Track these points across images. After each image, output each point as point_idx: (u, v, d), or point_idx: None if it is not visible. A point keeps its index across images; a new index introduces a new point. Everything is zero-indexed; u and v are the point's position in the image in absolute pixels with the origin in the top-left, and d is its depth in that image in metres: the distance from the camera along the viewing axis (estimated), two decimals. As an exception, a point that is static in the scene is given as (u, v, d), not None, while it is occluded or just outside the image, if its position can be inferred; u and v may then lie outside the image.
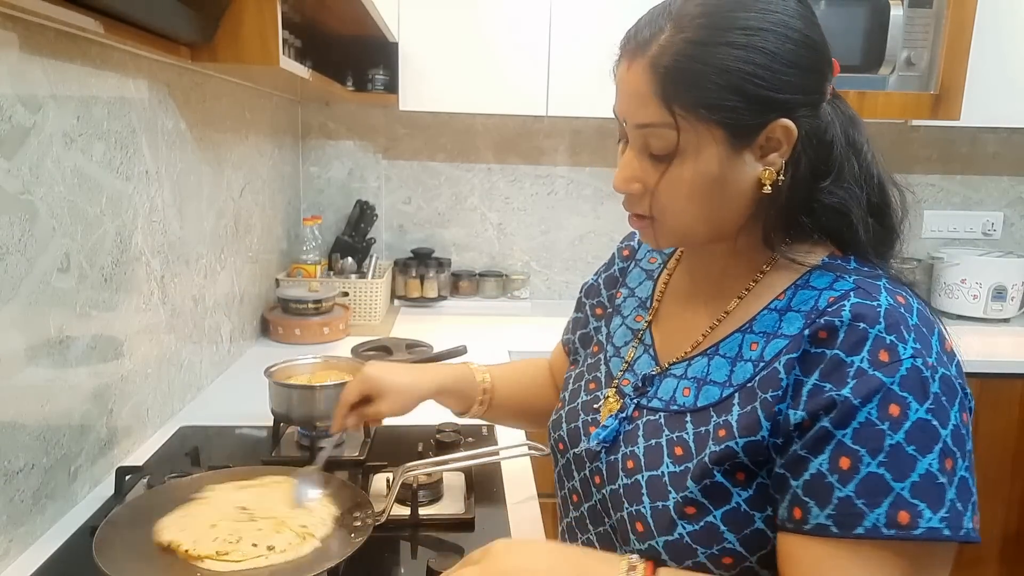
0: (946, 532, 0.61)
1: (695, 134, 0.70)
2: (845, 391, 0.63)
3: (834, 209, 0.72)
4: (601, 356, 0.92)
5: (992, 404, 2.03)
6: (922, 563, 0.63)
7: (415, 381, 1.01)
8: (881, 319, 0.65)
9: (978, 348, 2.11)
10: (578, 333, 1.01)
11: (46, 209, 0.97)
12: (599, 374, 0.90)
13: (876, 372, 0.63)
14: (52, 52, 0.98)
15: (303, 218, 2.30)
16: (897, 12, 2.02)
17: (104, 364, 1.14)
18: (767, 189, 0.72)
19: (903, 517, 0.61)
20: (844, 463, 0.63)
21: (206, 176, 1.56)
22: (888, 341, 0.64)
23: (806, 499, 0.64)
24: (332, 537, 0.86)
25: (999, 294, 2.34)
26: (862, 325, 0.65)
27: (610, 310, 0.96)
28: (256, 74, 1.62)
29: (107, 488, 1.09)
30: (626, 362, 0.87)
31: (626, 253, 0.99)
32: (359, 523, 0.89)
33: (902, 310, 0.66)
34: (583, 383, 0.92)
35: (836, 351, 0.65)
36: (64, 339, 1.03)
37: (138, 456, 1.24)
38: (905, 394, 0.62)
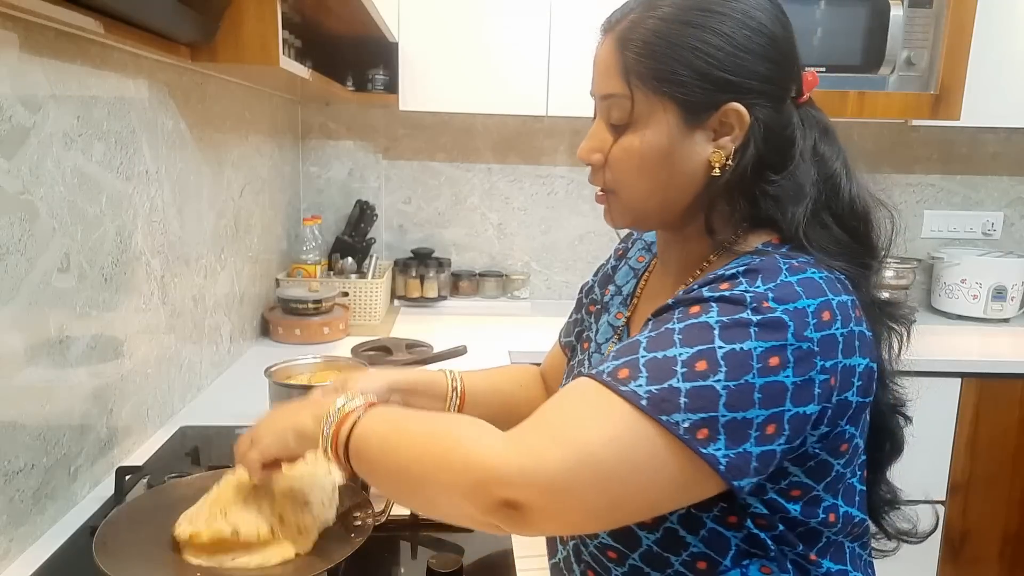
0: (643, 403, 0.61)
1: (648, 106, 0.73)
2: (671, 300, 0.70)
3: (774, 199, 0.74)
4: (587, 353, 0.94)
5: (992, 404, 2.03)
6: (617, 422, 0.62)
7: (388, 385, 0.97)
8: (744, 266, 0.68)
9: (978, 348, 2.11)
10: (576, 332, 1.02)
11: (46, 209, 0.97)
12: (583, 371, 0.91)
13: (702, 289, 0.68)
14: (52, 52, 0.98)
15: (303, 218, 2.30)
16: (897, 12, 2.02)
17: (104, 364, 1.14)
18: (715, 172, 0.73)
19: (622, 373, 0.64)
20: (639, 335, 0.68)
21: (206, 176, 1.56)
22: (737, 279, 0.67)
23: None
24: (311, 554, 0.85)
25: (999, 294, 2.34)
26: (728, 271, 0.68)
27: (599, 307, 0.97)
28: (256, 74, 1.62)
29: (107, 488, 1.09)
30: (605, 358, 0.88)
31: (620, 253, 1.00)
32: (359, 523, 0.89)
33: (781, 265, 0.67)
34: (569, 381, 0.92)
35: (695, 285, 0.70)
36: (64, 339, 1.03)
37: (138, 456, 1.24)
38: (713, 305, 0.65)
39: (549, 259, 2.58)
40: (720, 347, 0.62)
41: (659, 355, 0.64)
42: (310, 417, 0.76)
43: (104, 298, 1.13)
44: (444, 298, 2.45)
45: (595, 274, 1.03)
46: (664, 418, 0.61)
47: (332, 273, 2.26)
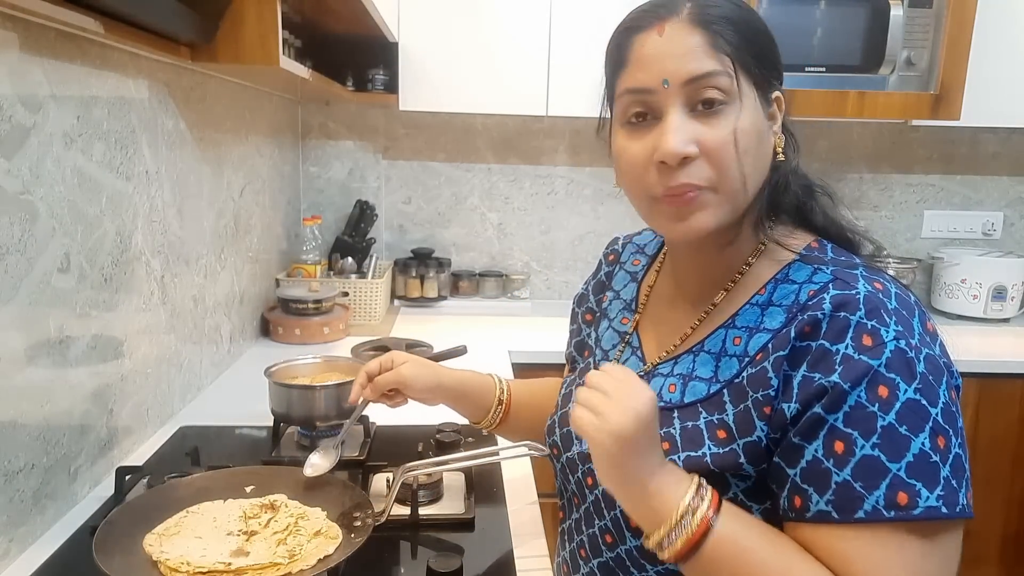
0: (944, 510, 0.61)
1: (743, 84, 0.71)
2: (834, 377, 0.64)
3: (807, 187, 0.77)
4: (591, 360, 0.92)
5: (992, 404, 2.03)
6: (930, 540, 0.63)
7: (436, 371, 1.04)
8: (861, 306, 0.66)
9: (978, 348, 2.11)
10: (574, 343, 1.01)
11: (46, 209, 0.97)
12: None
13: (861, 356, 0.64)
14: (52, 52, 0.98)
15: (303, 218, 2.30)
16: (897, 12, 2.02)
17: (104, 364, 1.14)
18: (780, 156, 0.75)
19: (902, 498, 0.61)
20: (838, 447, 0.63)
21: (206, 176, 1.56)
22: (870, 326, 0.65)
23: (805, 486, 0.65)
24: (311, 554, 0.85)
25: (999, 294, 2.34)
26: (843, 314, 0.66)
27: (598, 314, 0.96)
28: (256, 74, 1.62)
29: (107, 488, 1.09)
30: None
31: (611, 258, 1.00)
32: (359, 523, 0.89)
33: (880, 295, 0.68)
34: (574, 388, 0.91)
35: (821, 341, 0.66)
36: (64, 339, 1.03)
37: (138, 456, 1.24)
38: (893, 375, 0.63)
39: (549, 259, 2.58)
40: (936, 415, 0.63)
41: (910, 458, 0.62)
42: (662, 488, 0.66)
43: (104, 298, 1.13)
44: (444, 298, 2.45)
45: (586, 283, 1.03)
46: (958, 510, 0.62)
47: (332, 273, 2.26)
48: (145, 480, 1.08)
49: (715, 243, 0.79)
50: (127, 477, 1.07)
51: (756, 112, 0.72)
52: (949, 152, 2.55)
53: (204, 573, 0.80)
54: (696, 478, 0.67)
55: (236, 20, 1.25)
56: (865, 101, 2.06)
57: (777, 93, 0.75)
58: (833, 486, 0.63)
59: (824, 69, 2.05)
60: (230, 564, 0.81)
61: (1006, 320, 2.37)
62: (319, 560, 0.82)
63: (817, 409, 0.64)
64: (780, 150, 0.75)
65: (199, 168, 1.51)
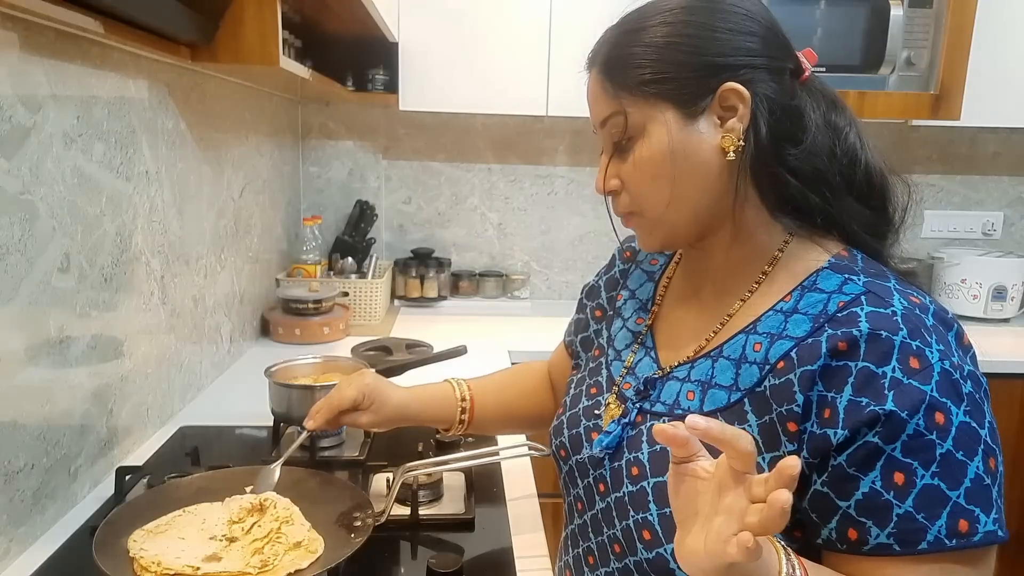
0: (1000, 533, 0.62)
1: (643, 114, 0.74)
2: (888, 404, 0.61)
3: (807, 177, 0.72)
4: (602, 360, 0.91)
5: (992, 404, 2.02)
6: (984, 563, 0.64)
7: (403, 404, 1.01)
8: (902, 325, 0.64)
9: (978, 348, 2.11)
10: (580, 335, 0.99)
11: (46, 209, 0.97)
12: (600, 378, 0.89)
13: (911, 381, 0.62)
14: (52, 52, 0.98)
15: (303, 218, 2.30)
16: (897, 12, 2.02)
17: (104, 364, 1.14)
18: (730, 156, 0.72)
19: (962, 525, 0.61)
20: (898, 478, 0.61)
21: (206, 176, 1.56)
22: (915, 347, 0.63)
23: (862, 519, 0.62)
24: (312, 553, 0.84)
25: (999, 294, 2.34)
26: (884, 334, 0.63)
27: (610, 312, 0.95)
28: (256, 74, 1.62)
29: (107, 488, 1.09)
30: (627, 366, 0.86)
31: (627, 255, 0.98)
32: (359, 523, 0.89)
33: (918, 311, 0.66)
34: (584, 388, 0.90)
35: (864, 363, 0.63)
36: (64, 339, 1.03)
37: (138, 456, 1.24)
38: (945, 400, 0.62)
39: (549, 259, 2.58)
40: (985, 437, 0.63)
41: (968, 484, 0.61)
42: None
43: (104, 298, 1.13)
44: (444, 298, 2.45)
45: (598, 275, 1.01)
46: (1001, 533, 0.62)
47: (332, 273, 2.26)
48: (145, 480, 1.08)
49: (720, 246, 0.78)
50: (127, 477, 1.07)
51: (663, 134, 0.72)
52: (949, 152, 2.55)
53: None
54: (780, 549, 0.58)
55: (236, 20, 1.25)
56: (865, 101, 2.06)
57: (731, 84, 0.70)
58: (895, 519, 0.61)
59: (824, 69, 2.05)
60: (198, 569, 0.79)
61: (1006, 320, 2.37)
62: (289, 574, 0.80)
63: (872, 438, 0.62)
64: (731, 149, 0.71)
65: (199, 168, 1.51)
